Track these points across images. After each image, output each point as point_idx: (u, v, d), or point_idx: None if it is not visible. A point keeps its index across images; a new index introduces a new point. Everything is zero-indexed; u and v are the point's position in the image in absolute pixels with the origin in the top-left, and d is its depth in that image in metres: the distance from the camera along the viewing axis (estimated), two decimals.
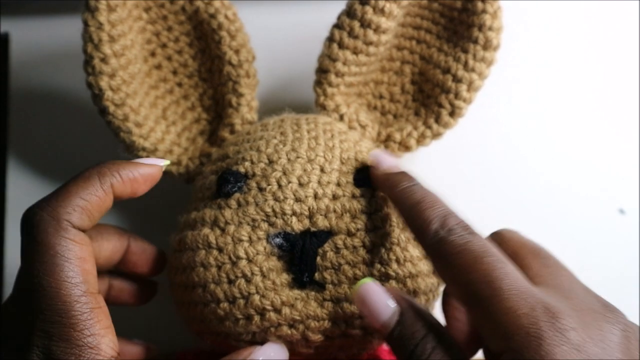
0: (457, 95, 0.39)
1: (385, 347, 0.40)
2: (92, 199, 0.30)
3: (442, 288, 0.36)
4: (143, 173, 0.33)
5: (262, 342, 0.33)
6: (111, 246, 0.36)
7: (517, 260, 0.30)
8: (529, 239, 0.32)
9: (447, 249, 0.29)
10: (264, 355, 0.32)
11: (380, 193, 0.35)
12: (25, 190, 0.48)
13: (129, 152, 0.39)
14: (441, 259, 0.29)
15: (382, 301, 0.30)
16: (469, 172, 0.46)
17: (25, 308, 0.29)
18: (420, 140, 0.40)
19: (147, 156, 0.39)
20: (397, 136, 0.40)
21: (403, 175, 0.33)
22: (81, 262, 0.29)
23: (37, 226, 0.29)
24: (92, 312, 0.28)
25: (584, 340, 0.25)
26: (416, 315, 0.30)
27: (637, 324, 0.27)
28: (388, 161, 0.34)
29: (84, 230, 0.30)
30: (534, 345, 0.25)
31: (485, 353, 0.33)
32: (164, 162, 0.35)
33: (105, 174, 0.31)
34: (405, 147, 0.40)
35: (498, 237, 0.33)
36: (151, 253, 0.38)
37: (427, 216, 0.30)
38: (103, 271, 0.37)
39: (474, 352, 0.34)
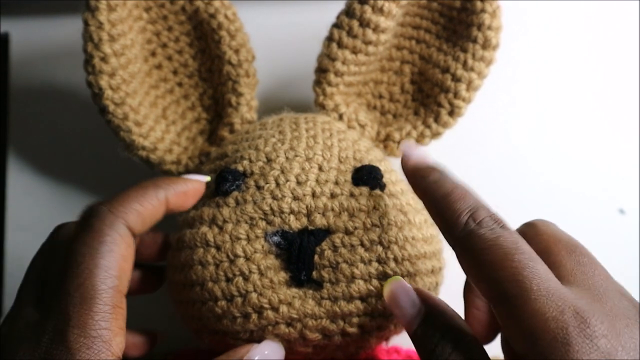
0: (456, 94, 0.39)
1: (383, 346, 0.39)
2: (148, 206, 0.32)
3: (441, 287, 0.36)
4: (192, 188, 0.35)
5: (259, 341, 0.33)
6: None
7: (550, 256, 0.29)
8: (564, 233, 0.31)
9: (476, 243, 0.28)
10: (261, 354, 0.32)
11: (377, 192, 0.34)
12: (25, 190, 0.48)
13: (129, 151, 0.39)
14: (469, 253, 0.28)
15: (409, 299, 0.30)
16: (468, 171, 0.46)
17: (52, 286, 0.30)
18: (420, 139, 0.40)
19: (147, 155, 0.39)
20: (397, 136, 0.40)
21: (432, 167, 0.32)
22: (122, 260, 0.30)
23: (95, 215, 0.30)
24: (114, 309, 0.29)
25: (614, 348, 0.24)
26: (440, 315, 0.29)
27: None
28: (418, 152, 0.34)
29: (134, 234, 0.31)
30: (561, 351, 0.24)
31: (505, 351, 0.32)
32: (207, 178, 0.36)
33: (161, 186, 0.33)
34: None
35: (531, 229, 0.31)
36: (161, 241, 0.38)
37: (457, 208, 0.29)
38: None
39: (490, 340, 0.34)
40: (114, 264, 0.29)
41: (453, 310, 0.30)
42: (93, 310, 0.28)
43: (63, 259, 0.29)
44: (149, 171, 0.40)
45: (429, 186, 0.31)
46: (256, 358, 0.32)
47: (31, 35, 0.49)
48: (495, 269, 0.27)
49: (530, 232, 0.31)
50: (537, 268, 0.26)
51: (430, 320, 0.29)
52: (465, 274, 0.29)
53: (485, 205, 0.29)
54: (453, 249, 0.29)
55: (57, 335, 0.28)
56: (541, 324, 0.25)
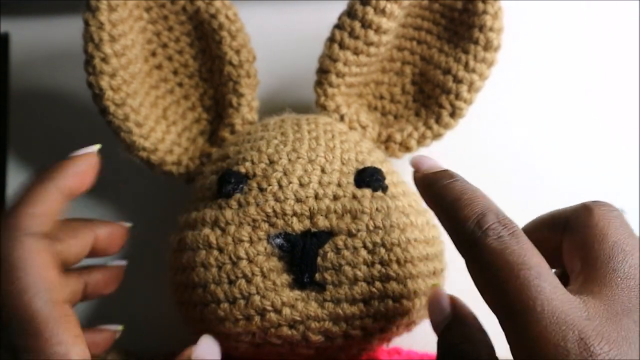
0: (457, 96, 0.39)
1: (384, 347, 0.40)
2: (47, 203, 0.30)
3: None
4: (86, 164, 0.34)
5: (261, 343, 0.33)
6: (80, 242, 0.34)
7: (589, 254, 0.27)
8: (619, 229, 0.28)
9: (481, 253, 0.26)
10: (201, 353, 0.32)
11: (380, 194, 0.35)
12: None
13: (130, 151, 0.39)
14: (475, 263, 0.27)
15: (439, 304, 0.31)
16: (469, 172, 0.46)
17: None
18: (421, 141, 0.40)
19: (148, 156, 0.39)
20: (398, 137, 0.40)
21: (442, 172, 0.31)
22: (41, 271, 0.28)
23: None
24: (57, 321, 0.28)
25: None
26: (464, 324, 0.30)
27: None
28: (428, 163, 0.33)
29: (44, 235, 0.30)
30: None
31: None
32: (96, 147, 0.35)
33: (53, 177, 0.32)
34: (405, 147, 0.40)
35: (584, 216, 0.29)
36: (118, 232, 0.36)
37: (464, 214, 0.28)
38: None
39: None
40: (34, 280, 0.28)
41: (477, 322, 0.30)
42: (36, 332, 0.27)
43: None
44: (150, 172, 0.40)
45: (438, 192, 0.30)
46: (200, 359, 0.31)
47: (31, 35, 0.49)
48: (499, 284, 0.26)
49: (582, 219, 0.29)
50: (542, 286, 0.25)
51: (453, 327, 0.30)
52: (472, 281, 0.28)
53: (494, 210, 0.28)
54: (463, 255, 0.28)
55: None
56: (542, 350, 0.24)
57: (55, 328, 0.27)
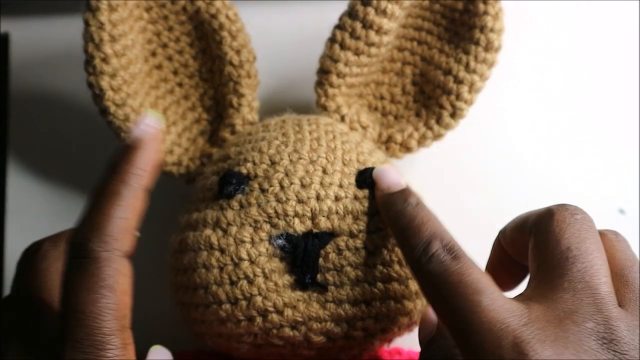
0: (458, 96, 0.39)
1: (385, 347, 0.40)
2: (131, 214, 0.28)
3: None
4: (153, 149, 0.30)
5: (263, 344, 0.33)
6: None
7: (547, 256, 0.28)
8: (572, 234, 0.28)
9: (427, 278, 0.28)
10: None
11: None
12: (25, 190, 0.48)
13: None
14: (424, 288, 0.29)
15: (428, 324, 0.32)
16: (469, 172, 0.46)
17: (50, 333, 0.28)
18: (421, 141, 0.40)
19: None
20: (398, 137, 0.40)
21: (397, 194, 0.33)
22: (124, 296, 0.28)
23: (88, 257, 0.27)
24: (124, 348, 0.27)
25: None
26: (444, 338, 0.30)
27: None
28: (389, 179, 0.34)
29: (129, 255, 0.29)
30: None
31: None
32: (158, 118, 0.32)
33: (130, 181, 0.29)
34: (406, 148, 0.40)
35: (544, 222, 0.29)
36: None
37: (413, 242, 0.30)
38: None
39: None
40: (118, 304, 0.27)
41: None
42: (106, 355, 0.27)
43: (62, 303, 0.27)
44: None
45: (392, 217, 0.32)
46: None
47: (31, 35, 0.49)
48: (442, 303, 0.28)
49: (543, 223, 0.29)
50: (479, 300, 0.26)
51: (431, 342, 0.31)
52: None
53: (439, 235, 0.29)
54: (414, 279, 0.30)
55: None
56: (481, 356, 0.25)
57: (122, 355, 0.27)
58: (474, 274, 0.27)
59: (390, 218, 0.32)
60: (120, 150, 0.30)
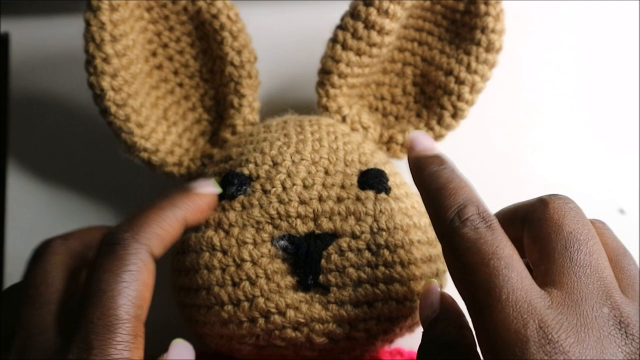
0: (459, 97, 0.39)
1: (386, 348, 0.40)
2: (168, 228, 0.31)
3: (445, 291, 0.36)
4: (207, 202, 0.34)
5: (265, 345, 0.33)
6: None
7: (546, 246, 0.28)
8: (572, 220, 0.28)
9: (457, 242, 0.27)
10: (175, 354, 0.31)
11: (383, 196, 0.35)
12: (25, 190, 0.48)
13: (130, 153, 0.39)
14: (450, 252, 0.28)
15: (430, 299, 0.31)
16: (470, 172, 0.46)
17: (68, 314, 0.29)
18: None
19: (149, 157, 0.39)
20: (400, 138, 0.40)
21: (433, 158, 0.32)
22: (144, 288, 0.29)
23: (119, 243, 0.29)
24: (135, 338, 0.28)
25: None
26: (448, 319, 0.30)
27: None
28: (423, 143, 0.33)
29: (155, 259, 0.30)
30: None
31: None
32: (218, 190, 0.35)
33: (178, 205, 0.32)
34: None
35: (540, 210, 0.29)
36: None
37: (447, 204, 0.29)
38: None
39: None
40: (137, 292, 0.28)
41: (463, 320, 0.30)
42: (116, 339, 0.27)
43: (85, 285, 0.29)
44: (150, 173, 0.40)
45: (426, 178, 0.31)
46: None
47: (31, 35, 0.49)
48: (470, 273, 0.27)
49: (539, 212, 0.29)
50: (510, 276, 0.26)
51: (434, 323, 0.30)
52: (447, 269, 0.29)
53: (476, 201, 0.29)
54: (440, 242, 0.29)
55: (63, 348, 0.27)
56: (503, 337, 0.25)
57: (132, 343, 0.27)
58: (507, 248, 0.27)
59: (424, 179, 0.31)
60: (180, 189, 0.34)
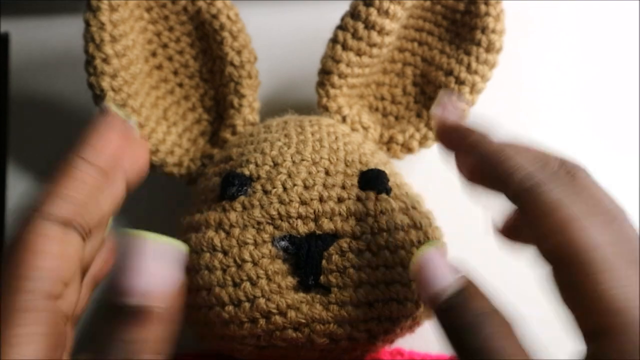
0: (459, 97, 0.39)
1: (386, 348, 0.40)
2: (82, 186, 0.25)
3: None
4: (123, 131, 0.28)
5: (266, 345, 0.33)
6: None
7: None
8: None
9: (536, 200, 0.25)
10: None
11: (384, 196, 0.35)
12: (25, 190, 0.48)
13: None
14: (527, 212, 0.25)
15: (442, 268, 0.27)
16: None
17: None
18: (423, 142, 0.40)
19: (149, 157, 0.39)
20: (400, 138, 0.40)
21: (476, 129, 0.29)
22: (53, 260, 0.23)
23: (18, 224, 0.24)
24: (42, 334, 0.22)
25: None
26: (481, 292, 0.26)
27: None
28: (454, 113, 0.30)
29: (82, 229, 0.25)
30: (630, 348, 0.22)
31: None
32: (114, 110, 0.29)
33: (88, 152, 0.27)
34: (407, 149, 0.40)
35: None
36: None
37: (518, 160, 0.26)
38: None
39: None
40: (43, 271, 0.23)
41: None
42: (11, 333, 0.22)
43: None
44: (150, 174, 0.40)
45: (477, 140, 0.28)
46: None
47: (31, 35, 0.49)
48: (554, 234, 0.24)
49: None
50: (599, 240, 0.24)
51: (469, 292, 0.26)
52: (528, 229, 0.26)
53: (557, 158, 0.27)
54: (512, 201, 0.26)
55: None
56: (608, 303, 0.23)
57: (30, 339, 0.22)
58: (604, 201, 0.26)
59: (477, 141, 0.28)
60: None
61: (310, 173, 0.34)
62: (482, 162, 0.28)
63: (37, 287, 0.23)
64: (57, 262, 0.24)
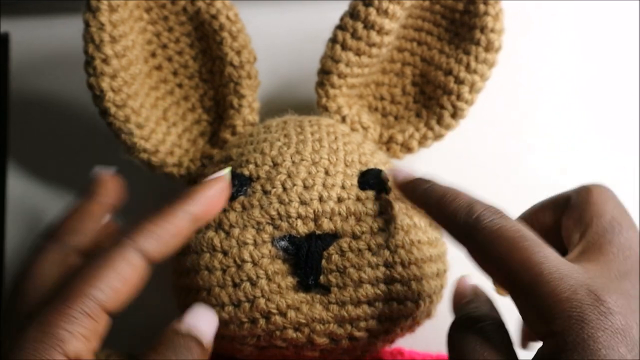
0: (459, 96, 0.39)
1: (387, 348, 0.40)
2: (170, 226, 0.30)
3: (445, 291, 0.36)
4: (216, 192, 0.33)
5: (266, 345, 0.33)
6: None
7: (588, 229, 0.29)
8: (614, 207, 0.31)
9: (479, 236, 0.28)
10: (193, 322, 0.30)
11: (383, 196, 0.35)
12: (25, 190, 0.48)
13: (130, 153, 0.39)
14: (475, 248, 0.28)
15: (463, 290, 0.33)
16: (470, 172, 0.46)
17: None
18: (422, 141, 0.40)
19: (149, 158, 0.39)
20: (399, 138, 0.40)
21: (419, 179, 0.33)
22: (120, 284, 0.27)
23: (114, 245, 0.28)
24: (88, 318, 0.26)
25: (629, 325, 0.24)
26: (478, 300, 0.31)
27: None
28: (404, 172, 0.34)
29: (150, 258, 0.29)
30: (577, 328, 0.24)
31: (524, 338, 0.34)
32: (227, 170, 0.34)
33: (185, 202, 0.31)
34: (407, 148, 0.40)
35: (583, 195, 0.31)
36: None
37: (454, 208, 0.29)
38: None
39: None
40: (110, 288, 0.27)
41: (490, 302, 0.32)
42: (63, 312, 0.26)
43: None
44: (150, 174, 0.40)
45: (422, 195, 0.32)
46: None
47: (31, 35, 0.49)
48: (503, 260, 0.27)
49: (582, 197, 0.31)
50: (544, 252, 0.27)
51: (465, 304, 0.31)
52: (480, 269, 0.29)
53: (478, 200, 0.30)
54: (462, 245, 0.29)
55: (24, 327, 0.26)
56: (556, 305, 0.25)
57: (75, 319, 0.26)
58: (527, 229, 0.28)
59: (420, 198, 0.32)
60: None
61: (309, 173, 0.34)
62: (430, 216, 0.32)
63: (99, 298, 0.27)
64: (126, 288, 0.28)
